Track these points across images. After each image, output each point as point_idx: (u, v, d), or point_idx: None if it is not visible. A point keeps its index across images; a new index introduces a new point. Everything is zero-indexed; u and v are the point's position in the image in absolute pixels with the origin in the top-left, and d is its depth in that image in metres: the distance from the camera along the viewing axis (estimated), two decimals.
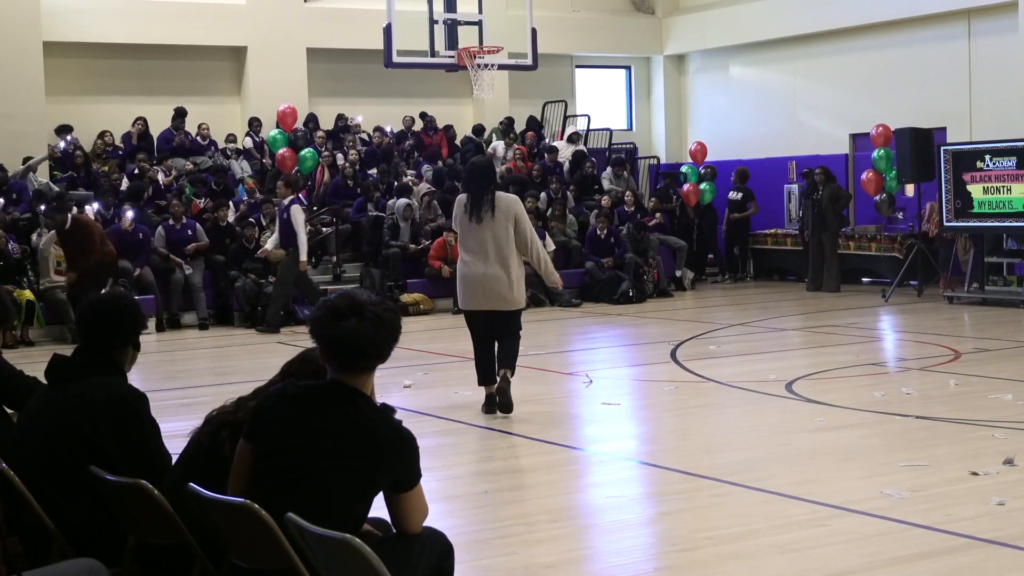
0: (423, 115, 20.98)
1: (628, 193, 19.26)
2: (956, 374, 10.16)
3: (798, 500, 6.18)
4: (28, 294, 14.16)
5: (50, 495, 4.20)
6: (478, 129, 21.13)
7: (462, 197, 8.95)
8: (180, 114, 18.83)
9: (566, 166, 20.41)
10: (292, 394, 3.73)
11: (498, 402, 8.82)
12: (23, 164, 16.73)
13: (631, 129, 23.72)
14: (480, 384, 8.97)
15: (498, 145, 20.48)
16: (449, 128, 20.99)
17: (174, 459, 4.31)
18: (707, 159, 20.85)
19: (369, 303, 3.66)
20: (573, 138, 21.03)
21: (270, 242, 15.52)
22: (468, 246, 8.79)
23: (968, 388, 9.48)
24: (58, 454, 4.23)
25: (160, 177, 17.63)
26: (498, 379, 8.81)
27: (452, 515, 6.00)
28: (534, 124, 21.86)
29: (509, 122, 21.13)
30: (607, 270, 17.39)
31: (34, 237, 14.91)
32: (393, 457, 3.60)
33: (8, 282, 14.00)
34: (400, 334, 3.72)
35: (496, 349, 8.85)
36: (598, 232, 17.87)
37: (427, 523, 3.80)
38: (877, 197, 18.30)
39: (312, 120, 19.92)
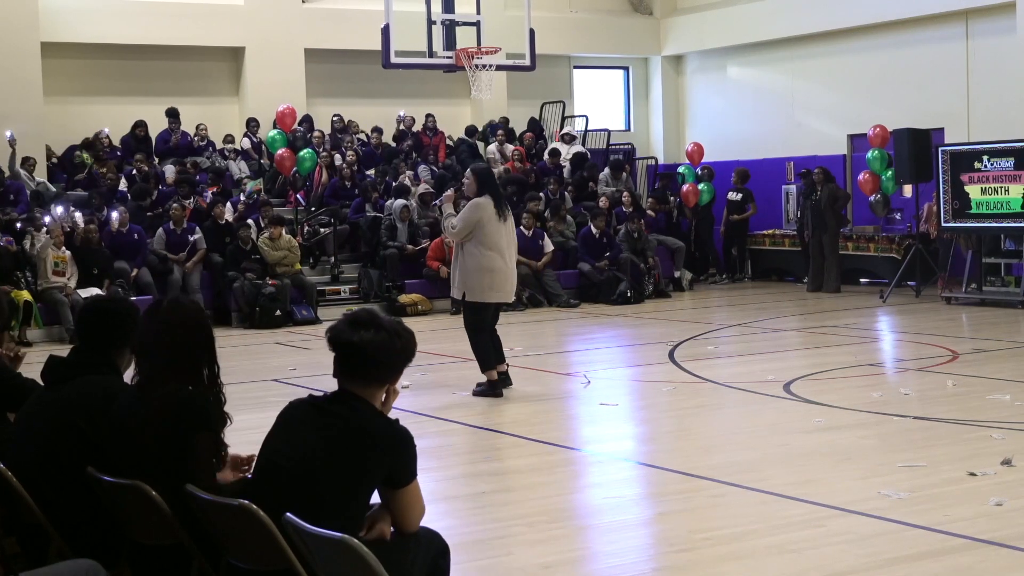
0: (428, 116, 20.94)
1: (626, 194, 19.26)
2: (954, 375, 10.16)
3: (796, 500, 6.18)
4: (26, 295, 14.15)
5: (48, 495, 4.20)
6: (471, 130, 21.11)
7: (486, 200, 9.53)
8: (173, 114, 18.81)
9: (567, 168, 20.41)
10: (300, 401, 3.84)
11: (509, 383, 9.76)
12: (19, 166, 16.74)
13: (629, 130, 23.72)
14: (487, 370, 9.64)
15: (492, 147, 20.47)
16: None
17: None
18: (705, 160, 20.85)
19: (388, 320, 3.79)
20: (566, 138, 21.02)
21: None
22: (497, 243, 9.51)
23: (966, 389, 9.48)
24: (56, 454, 4.22)
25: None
26: (505, 368, 9.78)
27: (450, 515, 6.00)
28: (534, 126, 21.85)
29: (503, 123, 21.11)
30: (603, 272, 17.39)
31: (26, 243, 14.81)
32: (386, 452, 3.65)
33: (5, 282, 14.00)
34: (413, 354, 3.83)
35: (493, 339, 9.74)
36: (593, 232, 17.85)
37: (424, 523, 3.83)
38: (872, 198, 18.31)
39: (307, 121, 19.85)
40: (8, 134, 16.57)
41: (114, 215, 15.62)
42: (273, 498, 3.60)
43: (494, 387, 9.64)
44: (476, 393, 9.71)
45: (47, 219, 15.04)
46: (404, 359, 3.79)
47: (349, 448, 3.62)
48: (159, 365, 4.02)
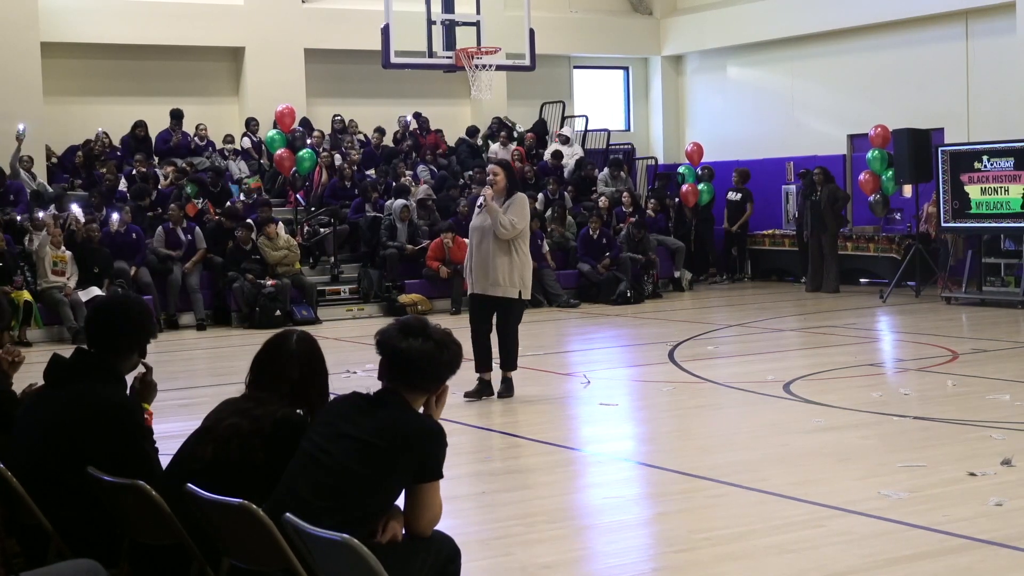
0: (416, 115, 20.91)
1: (626, 194, 19.26)
2: (954, 375, 10.16)
3: (796, 501, 6.18)
4: (26, 295, 14.15)
5: (47, 496, 4.19)
6: (472, 131, 21.10)
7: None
8: (177, 116, 18.80)
9: (569, 168, 20.41)
10: (344, 396, 3.91)
11: (490, 392, 9.57)
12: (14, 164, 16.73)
13: (629, 130, 23.72)
14: (514, 369, 9.53)
15: (493, 147, 20.47)
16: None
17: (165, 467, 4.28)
18: (705, 160, 20.85)
19: (438, 330, 3.88)
20: (561, 139, 20.98)
21: None
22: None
23: (966, 389, 9.48)
24: (55, 455, 4.21)
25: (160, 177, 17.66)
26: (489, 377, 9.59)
27: (450, 516, 5.96)
28: (539, 126, 21.84)
29: (499, 122, 21.15)
30: (603, 273, 17.39)
31: (28, 240, 14.87)
32: (417, 449, 3.70)
33: (5, 283, 14.00)
34: (458, 366, 3.90)
35: (491, 336, 9.57)
36: (591, 233, 17.86)
37: None
38: (871, 198, 18.31)
39: (305, 124, 19.79)
40: (21, 127, 16.57)
41: (114, 216, 15.62)
42: (305, 489, 3.65)
43: (512, 385, 9.62)
44: (504, 395, 9.53)
45: (41, 214, 15.04)
46: (448, 370, 3.87)
47: (380, 446, 3.67)
48: (280, 390, 4.11)
